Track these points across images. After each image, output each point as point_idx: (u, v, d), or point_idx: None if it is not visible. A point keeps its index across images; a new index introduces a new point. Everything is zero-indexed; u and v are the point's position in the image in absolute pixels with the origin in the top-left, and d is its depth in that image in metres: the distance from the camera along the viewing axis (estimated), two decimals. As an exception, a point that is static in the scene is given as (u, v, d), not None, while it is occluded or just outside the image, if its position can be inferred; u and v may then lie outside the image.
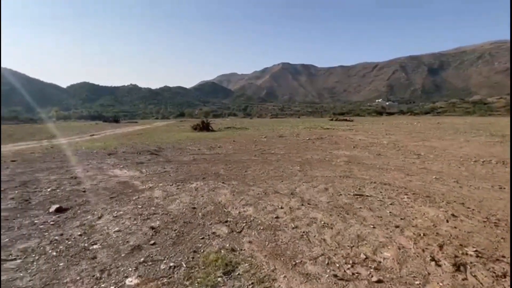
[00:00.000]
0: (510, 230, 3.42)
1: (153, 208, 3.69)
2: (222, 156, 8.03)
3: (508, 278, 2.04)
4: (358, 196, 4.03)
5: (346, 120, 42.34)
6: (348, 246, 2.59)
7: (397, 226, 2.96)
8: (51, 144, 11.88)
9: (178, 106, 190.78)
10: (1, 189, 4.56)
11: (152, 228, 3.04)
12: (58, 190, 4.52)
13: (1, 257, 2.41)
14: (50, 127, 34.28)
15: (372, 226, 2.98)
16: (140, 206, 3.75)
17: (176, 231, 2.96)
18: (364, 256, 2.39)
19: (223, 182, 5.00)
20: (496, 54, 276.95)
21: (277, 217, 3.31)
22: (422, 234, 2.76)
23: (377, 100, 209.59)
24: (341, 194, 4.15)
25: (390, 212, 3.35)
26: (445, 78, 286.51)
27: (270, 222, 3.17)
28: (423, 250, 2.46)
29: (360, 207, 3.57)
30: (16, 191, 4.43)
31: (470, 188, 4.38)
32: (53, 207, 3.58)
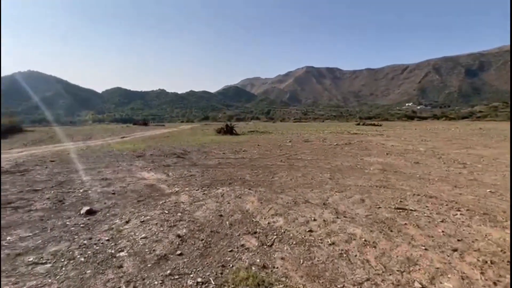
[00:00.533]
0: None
1: (180, 214, 3.59)
2: (247, 161, 7.87)
3: None
4: (400, 210, 3.60)
5: (374, 124, 40.38)
6: (397, 270, 2.24)
7: (454, 250, 2.53)
8: (86, 146, 12.59)
9: (203, 110, 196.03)
10: (39, 188, 4.78)
11: (179, 236, 2.91)
12: (89, 192, 4.62)
13: (33, 260, 2.41)
14: (86, 129, 36.81)
15: (423, 248, 2.58)
16: (166, 212, 3.66)
17: (203, 241, 2.80)
18: (420, 286, 2.03)
19: (249, 189, 4.80)
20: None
21: (310, 231, 3.02)
22: (489, 262, 2.31)
23: (407, 104, 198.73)
24: (380, 207, 3.75)
25: (442, 232, 2.91)
26: (486, 80, 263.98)
27: (303, 236, 2.90)
28: (495, 284, 2.03)
29: (405, 223, 3.16)
30: (52, 191, 4.60)
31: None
32: (84, 209, 3.62)
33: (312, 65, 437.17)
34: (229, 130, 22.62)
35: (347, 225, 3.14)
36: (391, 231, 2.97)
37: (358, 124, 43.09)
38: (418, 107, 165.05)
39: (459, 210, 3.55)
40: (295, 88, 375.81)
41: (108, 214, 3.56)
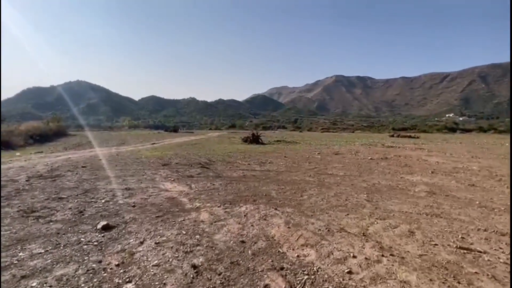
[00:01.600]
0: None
1: (198, 236, 3.24)
2: (274, 174, 7.41)
3: None
4: (464, 251, 2.88)
5: (410, 136, 37.50)
6: None
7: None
8: (118, 151, 13.10)
9: (230, 118, 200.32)
10: (65, 196, 4.79)
11: (194, 267, 2.54)
12: (110, 203, 4.51)
13: (36, 286, 2.19)
14: (122, 134, 39.21)
15: (511, 315, 1.91)
16: (184, 232, 3.34)
17: (221, 276, 2.40)
18: None
19: (275, 209, 4.34)
20: None
21: (349, 272, 2.47)
22: None
23: (447, 115, 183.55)
24: (436, 244, 3.05)
25: (534, 290, 2.18)
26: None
27: (341, 279, 2.36)
28: None
29: (476, 272, 2.46)
30: (76, 200, 4.57)
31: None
32: (101, 224, 3.44)
33: (342, 74, 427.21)
34: (255, 139, 22.38)
35: (397, 268, 2.53)
36: (459, 282, 2.30)
37: (392, 136, 40.40)
38: (461, 118, 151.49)
39: (549, 258, 2.73)
40: (323, 97, 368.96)
41: (123, 232, 3.33)
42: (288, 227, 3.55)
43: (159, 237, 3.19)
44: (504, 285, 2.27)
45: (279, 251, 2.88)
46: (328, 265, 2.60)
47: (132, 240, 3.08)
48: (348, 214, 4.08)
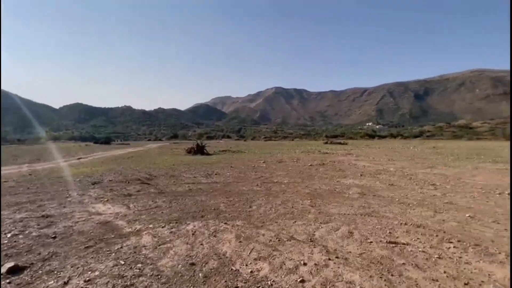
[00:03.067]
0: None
1: (140, 264, 2.87)
2: (221, 186, 7.25)
3: None
4: (393, 245, 3.31)
5: (340, 143, 42.33)
6: (414, 336, 1.84)
7: (466, 298, 2.23)
8: (31, 170, 10.86)
9: (172, 128, 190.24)
10: None
11: (136, 303, 2.22)
12: (20, 236, 3.64)
13: None
14: (36, 149, 32.82)
15: (432, 297, 2.25)
16: (122, 262, 2.91)
17: (170, 309, 2.15)
18: None
19: (225, 223, 4.21)
20: (476, 82, 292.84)
21: (302, 281, 2.54)
22: (508, 314, 2.03)
23: (367, 124, 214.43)
24: (371, 242, 3.42)
25: (445, 272, 2.63)
26: (430, 104, 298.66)
27: (295, 290, 2.40)
28: None
29: (403, 263, 2.84)
30: (-34, 239, 3.52)
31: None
32: (6, 266, 2.72)
33: (281, 86, 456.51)
34: (200, 150, 21.69)
35: (342, 270, 2.72)
36: (392, 275, 2.61)
37: (326, 143, 44.82)
38: (377, 127, 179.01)
39: (451, 242, 3.36)
40: (265, 107, 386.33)
41: (40, 272, 2.70)
42: (240, 242, 3.48)
43: (89, 272, 2.69)
44: (424, 271, 2.68)
45: (232, 269, 2.77)
46: (281, 276, 2.62)
47: (52, 282, 2.51)
48: (295, 221, 4.26)
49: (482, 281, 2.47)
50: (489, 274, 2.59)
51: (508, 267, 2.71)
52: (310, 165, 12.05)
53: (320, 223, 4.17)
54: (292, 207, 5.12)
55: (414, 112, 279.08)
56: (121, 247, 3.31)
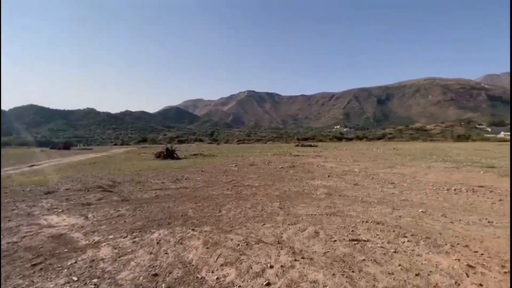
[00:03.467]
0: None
1: (96, 280, 2.66)
2: (190, 191, 7.05)
3: None
4: (355, 242, 3.48)
5: (311, 145, 43.76)
6: (370, 328, 1.94)
7: (416, 288, 2.42)
8: (-30, 180, 9.56)
9: (141, 132, 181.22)
10: None
11: (89, 322, 2.04)
12: (-49, 257, 3.17)
13: None
14: (-21, 155, 29.04)
15: (387, 290, 2.40)
16: (75, 278, 2.68)
17: (127, 325, 2.01)
18: None
19: (193, 229, 4.09)
20: (429, 89, 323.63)
21: (268, 284, 2.55)
22: (450, 300, 2.24)
23: (335, 127, 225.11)
24: (335, 240, 3.56)
25: (399, 265, 2.83)
26: (391, 108, 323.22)
27: (260, 293, 2.40)
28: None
29: (363, 259, 3.00)
30: None
31: (462, 224, 4.16)
32: None
33: (254, 90, 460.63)
34: (169, 154, 20.94)
35: (307, 270, 2.79)
36: (353, 271, 2.73)
37: (297, 145, 46.01)
38: (345, 129, 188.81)
39: (406, 236, 3.64)
40: (238, 110, 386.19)
41: (-27, 297, 2.37)
42: (207, 248, 3.40)
43: (36, 293, 2.43)
44: (381, 265, 2.86)
45: (197, 277, 2.69)
46: (247, 281, 2.61)
47: (-12, 307, 2.22)
48: (264, 224, 4.29)
49: (431, 271, 2.71)
50: (436, 264, 2.84)
51: (453, 256, 3.00)
52: (281, 167, 12.28)
53: (288, 224, 4.24)
54: (262, 210, 5.15)
55: (377, 116, 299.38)
56: (75, 262, 3.04)
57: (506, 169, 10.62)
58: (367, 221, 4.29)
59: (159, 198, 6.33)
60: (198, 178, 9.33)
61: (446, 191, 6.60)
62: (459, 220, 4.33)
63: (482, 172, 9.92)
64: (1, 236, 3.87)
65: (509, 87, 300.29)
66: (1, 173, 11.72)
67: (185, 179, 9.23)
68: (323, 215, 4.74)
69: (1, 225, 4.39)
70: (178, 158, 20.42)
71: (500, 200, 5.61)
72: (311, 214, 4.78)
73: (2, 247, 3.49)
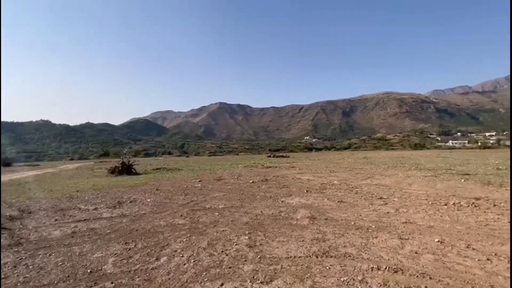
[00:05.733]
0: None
1: None
2: (128, 222, 5.14)
3: None
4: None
5: (283, 156, 43.08)
6: None
7: None
8: None
9: (103, 145, 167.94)
10: None
11: None
12: None
13: None
14: None
15: None
16: None
17: None
18: None
19: (93, 308, 2.31)
20: (387, 102, 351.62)
21: None
22: None
23: (305, 137, 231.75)
24: (342, 317, 2.07)
25: None
26: (355, 120, 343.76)
27: None
28: None
29: None
30: None
31: (503, 262, 2.95)
32: None
33: (225, 101, 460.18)
34: (126, 169, 18.28)
35: None
36: None
37: (269, 156, 45.05)
38: (314, 140, 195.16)
39: (449, 299, 2.28)
40: (209, 122, 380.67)
41: None
42: None
43: None
44: None
45: None
46: None
47: None
48: (223, 284, 2.66)
49: None
50: None
51: None
52: (252, 182, 10.72)
53: (261, 283, 2.66)
54: (222, 251, 3.51)
55: (343, 127, 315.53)
56: None
57: (482, 176, 10.32)
58: (378, 268, 2.88)
59: (75, 237, 4.34)
60: (148, 200, 7.37)
61: (445, 206, 5.58)
62: (495, 255, 3.14)
63: (462, 180, 9.40)
64: None
65: (453, 102, 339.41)
66: None
67: (130, 201, 7.21)
68: (312, 256, 3.25)
69: None
70: (136, 173, 17.85)
71: (514, 217, 4.67)
72: (294, 257, 3.26)
73: None
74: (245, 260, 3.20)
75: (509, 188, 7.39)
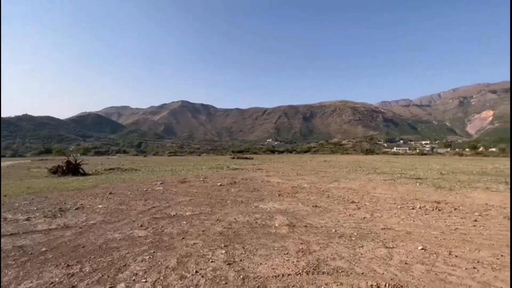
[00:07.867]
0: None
1: None
2: (71, 236, 4.16)
3: None
4: None
5: (247, 158, 42.87)
6: None
7: None
8: None
9: (45, 140, 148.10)
10: None
11: None
12: None
13: None
14: None
15: None
16: None
17: None
18: None
19: None
20: (343, 110, 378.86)
21: None
22: None
23: (267, 140, 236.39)
24: None
25: None
26: (315, 125, 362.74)
27: None
28: None
29: None
30: None
31: (490, 271, 2.96)
32: None
33: (188, 100, 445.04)
34: (72, 169, 16.00)
35: None
36: None
37: (234, 158, 44.46)
38: (276, 143, 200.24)
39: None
40: (170, 120, 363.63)
41: None
42: None
43: None
44: None
45: None
46: None
47: None
48: (202, 320, 2.10)
49: None
50: None
51: None
52: (220, 184, 10.10)
53: (250, 314, 2.18)
54: (196, 272, 2.92)
55: (303, 131, 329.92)
56: None
57: (432, 180, 11.30)
58: (377, 285, 2.61)
59: (-6, 259, 3.30)
60: (99, 206, 6.28)
61: (413, 211, 5.78)
62: (478, 262, 3.14)
63: (417, 184, 10.15)
64: None
65: (397, 112, 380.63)
66: None
67: (76, 209, 6.05)
68: (302, 273, 2.87)
69: None
70: (84, 174, 15.75)
71: (476, 220, 4.97)
72: (283, 275, 2.84)
73: None
74: (226, 283, 2.68)
75: (459, 192, 8.11)
